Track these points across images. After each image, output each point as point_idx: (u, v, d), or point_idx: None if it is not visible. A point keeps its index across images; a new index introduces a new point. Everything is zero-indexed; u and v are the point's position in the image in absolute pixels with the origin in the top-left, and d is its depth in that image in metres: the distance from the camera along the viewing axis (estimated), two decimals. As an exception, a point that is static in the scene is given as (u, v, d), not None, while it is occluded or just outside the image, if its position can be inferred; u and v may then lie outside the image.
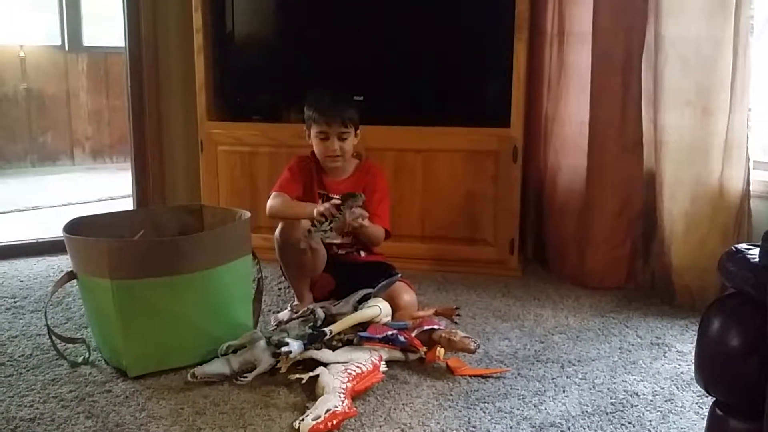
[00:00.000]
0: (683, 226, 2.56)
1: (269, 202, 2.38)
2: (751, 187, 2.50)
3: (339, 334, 2.05)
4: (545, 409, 1.81)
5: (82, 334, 2.26)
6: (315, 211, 2.23)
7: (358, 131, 2.45)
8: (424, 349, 2.05)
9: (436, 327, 2.11)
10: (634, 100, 2.68)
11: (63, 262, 3.10)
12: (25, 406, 1.80)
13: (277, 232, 2.39)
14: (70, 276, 2.08)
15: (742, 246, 1.36)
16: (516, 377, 1.99)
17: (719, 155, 2.49)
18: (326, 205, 2.23)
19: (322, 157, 2.43)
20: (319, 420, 1.65)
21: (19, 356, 2.12)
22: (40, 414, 1.76)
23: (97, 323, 2.10)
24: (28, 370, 2.02)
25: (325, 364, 1.90)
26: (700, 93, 2.48)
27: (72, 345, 2.18)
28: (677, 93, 2.51)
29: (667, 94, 2.52)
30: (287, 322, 2.26)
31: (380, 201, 2.44)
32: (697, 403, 1.84)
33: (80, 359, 2.09)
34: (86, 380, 1.96)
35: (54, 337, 2.10)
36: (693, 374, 1.82)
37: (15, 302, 2.61)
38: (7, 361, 2.09)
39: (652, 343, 2.25)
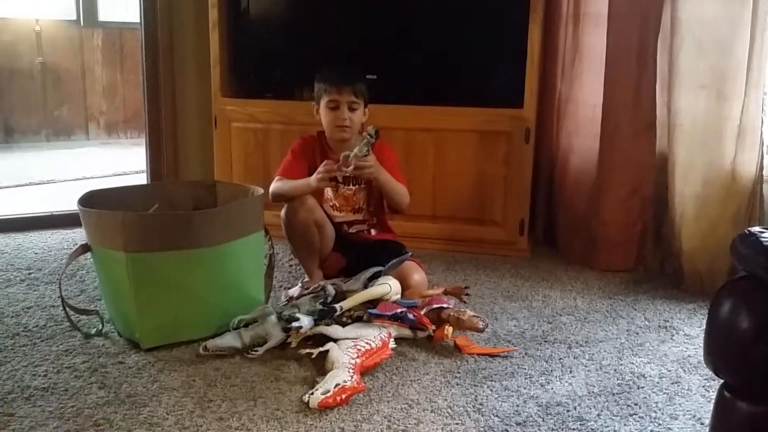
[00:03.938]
0: (694, 210, 2.56)
1: (271, 186, 2.40)
2: (764, 172, 2.49)
3: (349, 310, 2.07)
4: (552, 388, 1.82)
5: (95, 306, 2.29)
6: (318, 176, 2.30)
7: (367, 109, 2.45)
8: (433, 327, 2.06)
9: (445, 306, 2.12)
10: (648, 83, 2.67)
11: (77, 235, 3.14)
12: (39, 375, 1.83)
13: (282, 212, 2.41)
14: (85, 248, 2.10)
15: (755, 229, 1.36)
16: (523, 357, 2.01)
17: (732, 139, 2.48)
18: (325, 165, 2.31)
19: (331, 128, 2.42)
20: (328, 394, 1.67)
21: (34, 327, 2.15)
22: (54, 383, 1.79)
23: (111, 295, 2.13)
24: (42, 341, 2.05)
25: (335, 340, 1.92)
26: (715, 77, 2.47)
27: (85, 317, 2.20)
28: (692, 76, 2.50)
29: (682, 77, 2.51)
30: (298, 298, 2.28)
31: (393, 167, 2.44)
32: (703, 386, 1.85)
33: (93, 331, 2.11)
34: (99, 351, 1.99)
35: (68, 309, 2.13)
36: (700, 357, 1.84)
37: (30, 274, 2.65)
38: (22, 331, 2.12)
39: (659, 326, 2.26)
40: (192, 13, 3.43)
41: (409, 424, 1.63)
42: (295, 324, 1.93)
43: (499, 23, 2.92)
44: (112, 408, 1.67)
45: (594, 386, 1.84)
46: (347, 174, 2.32)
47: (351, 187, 2.48)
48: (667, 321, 2.30)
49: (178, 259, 1.96)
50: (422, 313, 2.09)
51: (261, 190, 2.24)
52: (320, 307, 2.04)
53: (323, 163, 2.33)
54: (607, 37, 2.70)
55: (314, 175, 2.33)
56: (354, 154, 2.26)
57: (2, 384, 1.78)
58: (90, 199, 2.14)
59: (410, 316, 2.04)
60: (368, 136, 2.25)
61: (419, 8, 3.03)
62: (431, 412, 1.69)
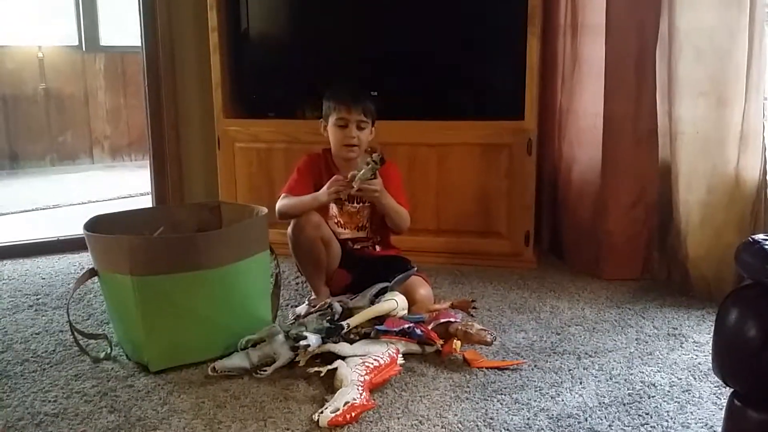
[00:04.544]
0: (699, 217, 2.56)
1: (277, 204, 2.42)
2: (767, 177, 2.49)
3: (356, 327, 2.07)
4: (562, 400, 1.82)
5: (103, 330, 2.30)
6: (328, 189, 2.32)
7: (374, 128, 2.47)
8: (441, 341, 2.06)
9: (452, 320, 2.12)
10: (648, 92, 2.68)
11: (84, 260, 3.15)
12: (49, 401, 1.84)
13: (289, 229, 2.42)
14: (92, 273, 2.11)
15: (759, 237, 1.36)
16: (533, 369, 2.00)
17: (735, 145, 2.48)
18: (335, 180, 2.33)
19: (339, 146, 2.44)
20: (338, 412, 1.67)
21: (43, 352, 2.16)
22: (64, 409, 1.79)
23: (119, 319, 2.13)
24: (51, 366, 2.06)
25: (343, 357, 1.92)
26: (714, 83, 2.47)
27: (94, 341, 2.21)
28: (692, 83, 2.50)
29: (682, 84, 2.52)
30: (305, 316, 2.28)
31: (397, 187, 2.47)
32: (714, 394, 1.84)
33: (102, 355, 2.12)
34: (108, 375, 2.00)
35: (76, 334, 2.13)
36: (710, 365, 1.83)
37: (38, 299, 2.66)
38: (31, 357, 2.12)
39: (668, 334, 2.25)
40: (192, 35, 3.46)
41: (420, 440, 1.63)
42: (302, 342, 1.93)
43: (498, 36, 2.94)
44: (122, 432, 1.68)
45: (605, 397, 1.83)
46: (352, 192, 2.34)
47: (356, 204, 2.49)
48: (676, 329, 2.30)
49: (184, 282, 1.97)
50: (430, 327, 2.09)
51: (265, 210, 2.24)
52: (327, 324, 2.04)
53: (333, 178, 2.34)
54: (605, 47, 2.71)
55: (324, 188, 2.34)
56: (359, 177, 2.26)
57: (13, 410, 1.78)
58: (96, 224, 2.15)
59: (418, 331, 2.04)
60: (373, 163, 2.26)
61: (418, 24, 3.05)
62: (441, 427, 1.68)
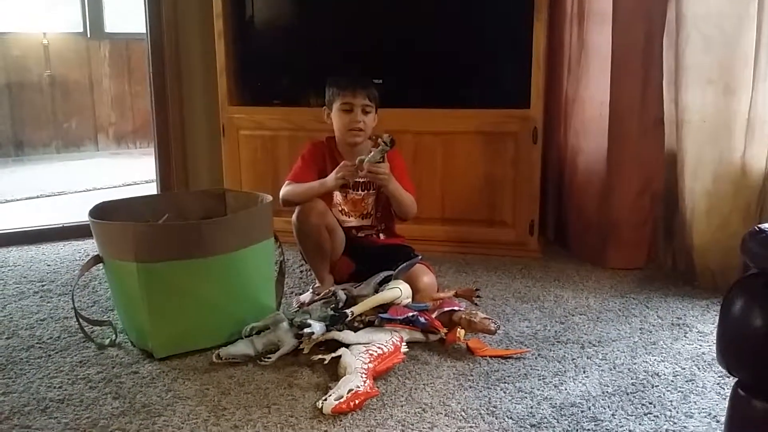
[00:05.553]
0: (705, 206, 2.55)
1: (281, 191, 2.42)
2: (774, 166, 2.48)
3: (360, 315, 2.07)
4: (566, 389, 1.81)
5: (108, 317, 2.30)
6: (337, 175, 2.33)
7: (377, 114, 2.47)
8: (445, 330, 2.06)
9: (456, 308, 2.12)
10: (655, 80, 2.66)
11: (89, 246, 3.15)
12: (55, 387, 1.85)
13: (294, 216, 2.42)
14: (97, 260, 2.12)
15: (766, 226, 1.35)
16: (536, 358, 2.00)
17: (742, 134, 2.46)
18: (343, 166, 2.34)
19: (344, 131, 2.44)
20: (341, 400, 1.67)
21: (48, 339, 2.17)
22: (69, 395, 1.80)
23: (124, 306, 2.14)
24: (56, 353, 2.07)
25: (347, 345, 1.92)
26: (722, 71, 2.45)
27: (99, 327, 2.22)
28: (699, 71, 2.48)
29: (689, 72, 2.50)
30: (309, 303, 2.28)
31: (402, 174, 2.46)
32: (718, 384, 1.84)
33: (107, 341, 2.12)
34: (113, 362, 2.00)
35: (81, 320, 2.14)
36: (714, 355, 1.82)
37: (43, 286, 2.67)
38: (36, 343, 2.13)
39: (672, 324, 2.25)
40: (197, 22, 3.45)
41: (423, 428, 1.63)
42: (306, 330, 1.94)
43: (504, 24, 2.92)
44: (127, 418, 1.68)
45: (608, 386, 1.83)
46: (359, 178, 2.34)
47: (360, 192, 2.49)
48: (680, 318, 2.29)
49: (189, 269, 1.97)
50: (434, 316, 2.09)
51: (270, 198, 2.24)
52: (331, 312, 2.04)
53: (341, 163, 2.34)
54: (612, 35, 2.69)
55: (332, 174, 2.34)
56: (368, 160, 2.27)
57: (18, 396, 1.79)
58: (101, 211, 2.15)
59: (422, 319, 2.04)
60: (383, 144, 2.26)
61: (423, 12, 3.04)
62: (445, 415, 1.68)
